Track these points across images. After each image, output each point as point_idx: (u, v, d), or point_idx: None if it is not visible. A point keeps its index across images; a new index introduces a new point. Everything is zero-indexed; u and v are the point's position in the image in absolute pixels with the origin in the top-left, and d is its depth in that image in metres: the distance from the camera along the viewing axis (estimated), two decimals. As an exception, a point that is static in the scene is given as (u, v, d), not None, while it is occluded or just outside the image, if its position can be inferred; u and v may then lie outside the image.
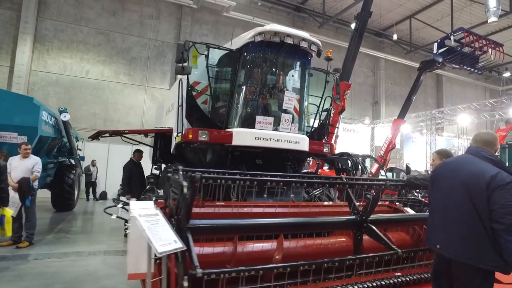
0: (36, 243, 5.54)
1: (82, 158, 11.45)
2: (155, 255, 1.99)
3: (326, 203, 4.72)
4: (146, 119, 16.00)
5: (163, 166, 8.66)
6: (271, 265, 2.52)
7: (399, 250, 2.98)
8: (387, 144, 12.14)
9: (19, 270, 4.20)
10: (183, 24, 16.74)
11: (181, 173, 2.82)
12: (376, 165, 10.67)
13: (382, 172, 10.10)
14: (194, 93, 5.39)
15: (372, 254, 2.95)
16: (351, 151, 8.02)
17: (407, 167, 8.78)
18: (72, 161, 10.38)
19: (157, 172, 8.67)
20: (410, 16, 19.08)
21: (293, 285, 2.65)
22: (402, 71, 23.10)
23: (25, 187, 5.31)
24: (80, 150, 11.23)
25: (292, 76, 5.50)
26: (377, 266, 3.19)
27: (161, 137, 7.70)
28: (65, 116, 7.72)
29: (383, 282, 3.02)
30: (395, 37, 18.43)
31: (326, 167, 11.08)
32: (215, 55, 5.45)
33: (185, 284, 1.99)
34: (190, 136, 4.81)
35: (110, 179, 14.24)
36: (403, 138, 19.15)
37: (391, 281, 3.09)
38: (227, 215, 3.19)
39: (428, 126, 18.37)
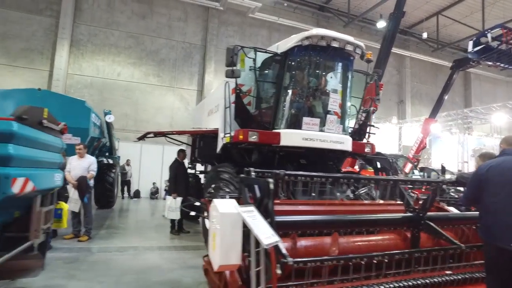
0: (93, 237, 5.93)
1: (118, 158, 11.95)
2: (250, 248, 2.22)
3: (376, 202, 4.84)
4: (175, 120, 16.45)
5: (198, 165, 8.98)
6: (351, 255, 2.70)
7: (462, 245, 3.09)
8: (418, 143, 12.07)
9: (89, 262, 4.54)
10: (210, 26, 17.07)
11: (253, 173, 3.08)
12: (409, 165, 10.64)
13: (416, 171, 10.07)
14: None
15: (437, 247, 3.09)
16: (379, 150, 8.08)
17: (443, 167, 8.74)
18: (111, 161, 10.85)
19: (192, 171, 8.97)
20: (437, 12, 18.72)
21: (365, 279, 2.83)
22: (428, 69, 22.68)
23: (83, 185, 5.69)
24: (117, 150, 11.72)
25: (336, 78, 5.64)
26: (435, 263, 3.31)
27: (200, 137, 8.00)
28: (109, 118, 8.15)
29: (442, 279, 3.15)
30: (425, 35, 18.10)
31: (356, 166, 11.13)
32: (258, 58, 5.66)
33: (279, 271, 2.21)
34: (241, 137, 5.04)
35: (143, 178, 14.78)
36: (431, 138, 18.89)
37: (450, 278, 3.21)
38: (290, 212, 3.40)
39: (460, 125, 18.00)
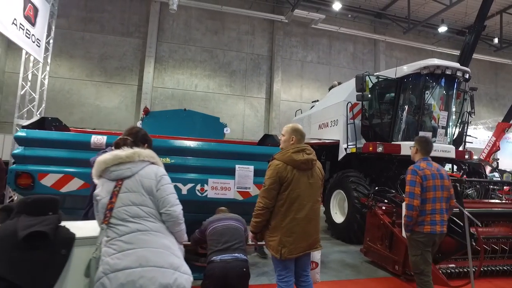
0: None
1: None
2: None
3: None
4: (246, 126, 18.01)
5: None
6: None
7: None
8: (490, 146, 12.64)
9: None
10: (276, 37, 18.41)
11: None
12: (488, 167, 11.33)
13: (496, 174, 10.75)
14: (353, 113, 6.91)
15: None
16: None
17: (525, 169, 9.39)
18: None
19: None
20: (501, 11, 18.67)
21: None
22: (487, 69, 22.58)
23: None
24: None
25: (445, 97, 6.72)
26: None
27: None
28: (227, 130, 9.65)
29: None
30: (495, 41, 18.32)
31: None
32: (375, 81, 6.88)
33: (474, 243, 3.45)
34: (371, 148, 6.29)
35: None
36: (496, 138, 18.99)
37: None
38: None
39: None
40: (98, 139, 3.52)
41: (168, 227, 1.89)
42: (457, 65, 6.36)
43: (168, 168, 3.81)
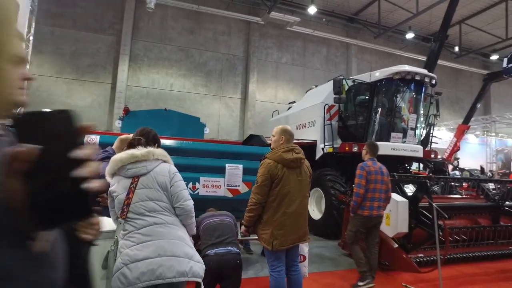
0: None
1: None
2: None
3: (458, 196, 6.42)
4: (221, 126, 18.12)
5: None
6: (477, 225, 4.32)
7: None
8: (452, 146, 13.62)
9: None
10: (252, 39, 18.65)
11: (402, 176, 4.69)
12: (449, 166, 12.24)
13: (457, 172, 11.63)
14: (331, 114, 7.28)
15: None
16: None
17: (482, 168, 10.26)
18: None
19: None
20: (460, 21, 20.06)
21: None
22: (449, 74, 24.03)
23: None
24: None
25: (414, 101, 7.25)
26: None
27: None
28: (206, 130, 9.76)
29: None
30: (456, 49, 19.64)
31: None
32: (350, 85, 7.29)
33: (441, 233, 3.85)
34: (347, 148, 6.68)
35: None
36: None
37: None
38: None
39: (487, 128, 19.46)
40: (91, 139, 3.58)
41: (181, 220, 2.06)
42: (425, 71, 6.91)
43: (161, 167, 3.99)
